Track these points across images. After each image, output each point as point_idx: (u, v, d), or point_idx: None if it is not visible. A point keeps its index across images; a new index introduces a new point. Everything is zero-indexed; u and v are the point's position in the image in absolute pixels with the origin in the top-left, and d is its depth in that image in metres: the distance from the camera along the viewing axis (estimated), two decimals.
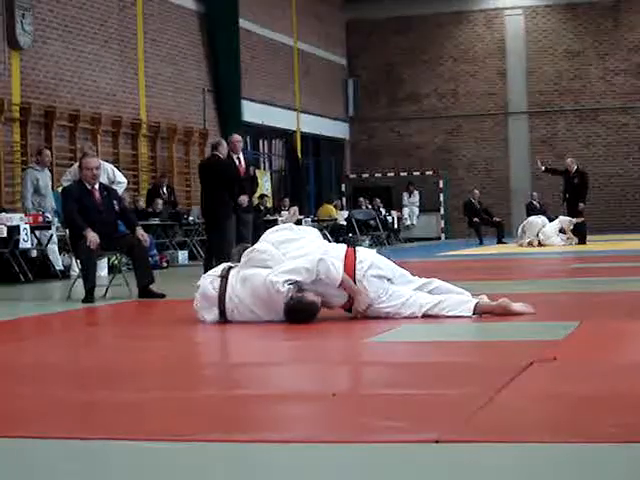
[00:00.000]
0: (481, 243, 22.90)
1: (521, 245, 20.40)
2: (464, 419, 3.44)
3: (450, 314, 6.57)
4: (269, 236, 7.13)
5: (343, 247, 6.93)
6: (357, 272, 6.66)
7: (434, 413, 3.63)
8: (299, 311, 6.56)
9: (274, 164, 26.97)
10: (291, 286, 6.56)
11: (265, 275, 6.65)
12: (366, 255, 6.81)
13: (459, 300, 6.69)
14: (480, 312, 6.60)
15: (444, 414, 3.59)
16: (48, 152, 14.78)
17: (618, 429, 3.24)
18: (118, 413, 3.88)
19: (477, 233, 23.63)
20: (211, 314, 6.90)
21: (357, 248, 7.00)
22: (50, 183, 14.63)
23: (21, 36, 16.20)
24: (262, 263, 6.81)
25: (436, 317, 6.59)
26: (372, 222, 26.12)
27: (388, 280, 6.75)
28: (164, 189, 19.20)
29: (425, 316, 6.61)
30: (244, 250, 7.12)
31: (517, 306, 6.69)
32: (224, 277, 6.86)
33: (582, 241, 20.43)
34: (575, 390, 4.03)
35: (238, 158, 13.21)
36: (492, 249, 20.31)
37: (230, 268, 6.93)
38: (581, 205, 20.89)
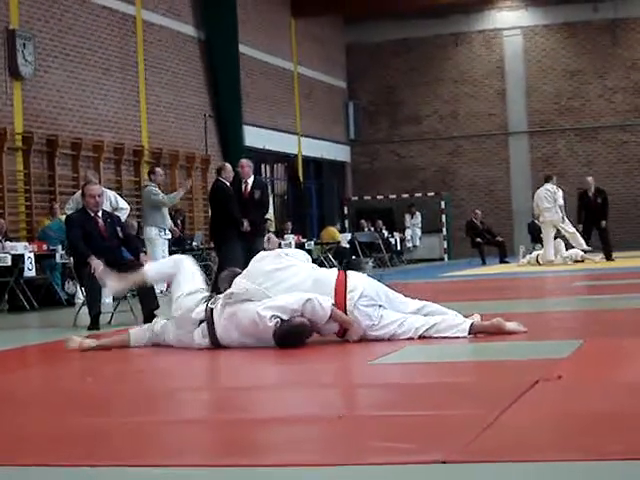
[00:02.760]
0: (484, 263, 22.89)
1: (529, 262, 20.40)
2: (470, 439, 3.44)
3: (445, 335, 6.59)
4: (256, 265, 7.00)
5: (334, 275, 6.82)
6: (347, 302, 6.62)
7: (441, 434, 3.64)
8: (289, 334, 6.51)
9: (276, 188, 27.01)
10: (278, 320, 6.52)
11: (252, 310, 6.58)
12: (357, 283, 6.72)
13: (454, 322, 6.70)
14: (475, 332, 6.63)
15: (450, 435, 3.60)
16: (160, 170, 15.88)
17: (625, 447, 3.25)
18: (125, 439, 3.90)
19: (480, 253, 23.63)
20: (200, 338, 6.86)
21: (348, 273, 6.86)
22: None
23: (23, 66, 16.28)
24: (246, 297, 6.76)
25: (433, 338, 6.59)
26: (375, 244, 26.12)
27: (380, 306, 6.72)
28: (179, 221, 19.21)
29: (422, 338, 6.61)
30: (234, 276, 7.03)
31: (510, 325, 6.72)
32: (209, 319, 6.79)
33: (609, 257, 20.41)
34: (581, 408, 4.04)
35: (245, 182, 13.48)
36: (495, 269, 20.31)
37: (212, 310, 6.81)
38: (604, 223, 20.80)
